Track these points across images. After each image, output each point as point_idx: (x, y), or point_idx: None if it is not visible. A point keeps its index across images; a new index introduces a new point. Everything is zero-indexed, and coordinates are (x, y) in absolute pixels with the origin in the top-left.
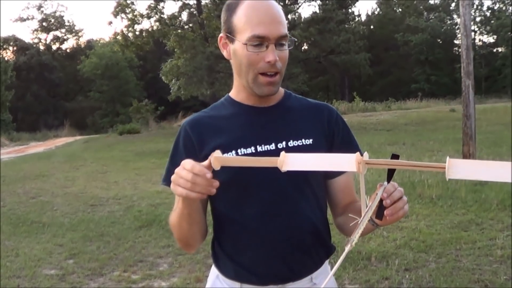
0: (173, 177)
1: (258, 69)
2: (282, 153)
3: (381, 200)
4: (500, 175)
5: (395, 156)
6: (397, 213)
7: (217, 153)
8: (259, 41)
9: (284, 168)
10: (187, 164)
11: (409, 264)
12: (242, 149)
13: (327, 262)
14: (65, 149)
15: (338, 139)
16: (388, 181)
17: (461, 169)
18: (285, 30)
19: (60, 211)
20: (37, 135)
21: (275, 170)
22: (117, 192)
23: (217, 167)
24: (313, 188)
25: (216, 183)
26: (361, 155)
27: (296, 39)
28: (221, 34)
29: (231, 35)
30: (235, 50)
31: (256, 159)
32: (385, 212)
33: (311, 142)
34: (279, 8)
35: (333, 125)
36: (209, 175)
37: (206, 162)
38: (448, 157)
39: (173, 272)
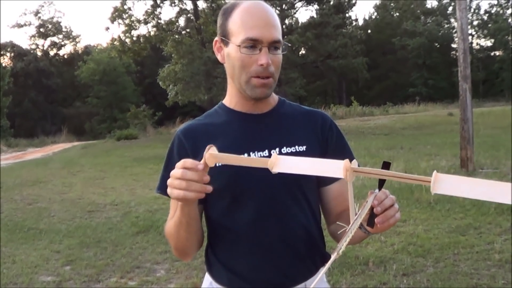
0: (169, 181)
1: (251, 72)
2: (274, 155)
3: (372, 208)
4: (485, 194)
5: (386, 164)
6: (388, 221)
7: (213, 149)
8: (253, 44)
9: (274, 170)
10: (180, 162)
11: (407, 269)
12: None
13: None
14: (62, 155)
15: (332, 146)
16: (380, 189)
17: (446, 184)
18: (279, 35)
19: (57, 218)
20: (35, 141)
21: (268, 176)
22: (115, 198)
23: (211, 163)
24: (306, 194)
25: (208, 178)
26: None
27: (290, 44)
28: (216, 38)
29: (225, 38)
30: (229, 53)
31: (249, 159)
32: (375, 219)
33: (304, 149)
34: (274, 13)
35: (327, 132)
36: (200, 166)
37: (201, 161)
38: (435, 172)
39: (170, 278)
